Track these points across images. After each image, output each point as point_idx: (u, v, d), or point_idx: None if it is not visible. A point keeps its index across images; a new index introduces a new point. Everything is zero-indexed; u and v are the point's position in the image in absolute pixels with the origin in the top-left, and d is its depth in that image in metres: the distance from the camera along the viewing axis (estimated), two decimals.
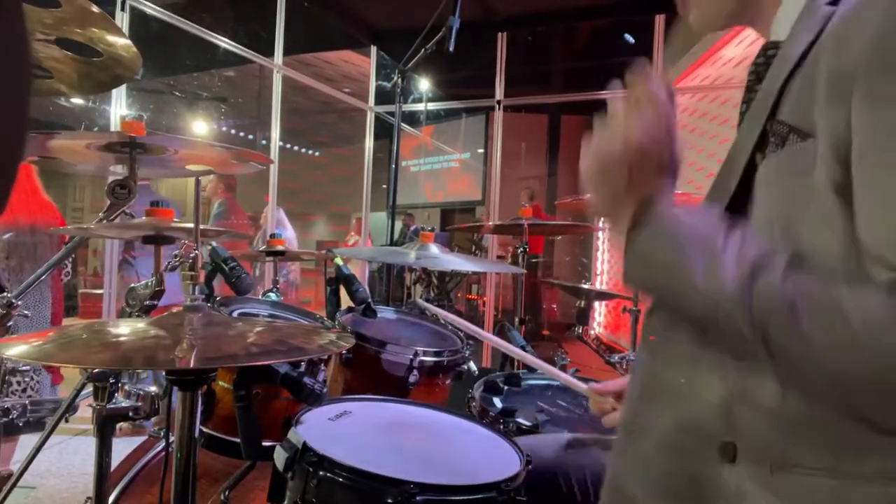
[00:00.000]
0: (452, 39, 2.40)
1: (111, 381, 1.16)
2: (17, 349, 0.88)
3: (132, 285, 1.43)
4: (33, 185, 2.99)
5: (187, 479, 1.02)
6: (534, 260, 6.72)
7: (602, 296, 3.55)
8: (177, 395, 1.04)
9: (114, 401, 1.17)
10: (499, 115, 5.01)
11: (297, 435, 1.05)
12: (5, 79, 0.32)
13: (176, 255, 1.45)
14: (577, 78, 8.35)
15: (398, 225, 9.92)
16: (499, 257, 6.03)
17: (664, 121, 0.71)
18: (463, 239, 8.51)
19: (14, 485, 1.51)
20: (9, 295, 1.43)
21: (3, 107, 0.32)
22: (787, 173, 0.65)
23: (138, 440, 1.69)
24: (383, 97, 5.40)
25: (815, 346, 0.56)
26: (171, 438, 1.11)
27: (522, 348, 1.74)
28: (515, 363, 2.32)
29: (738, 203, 0.70)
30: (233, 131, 10.46)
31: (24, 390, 2.62)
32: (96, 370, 1.14)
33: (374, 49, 5.47)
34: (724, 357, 0.68)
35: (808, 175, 0.63)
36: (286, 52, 4.43)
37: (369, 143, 5.41)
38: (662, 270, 0.67)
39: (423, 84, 6.91)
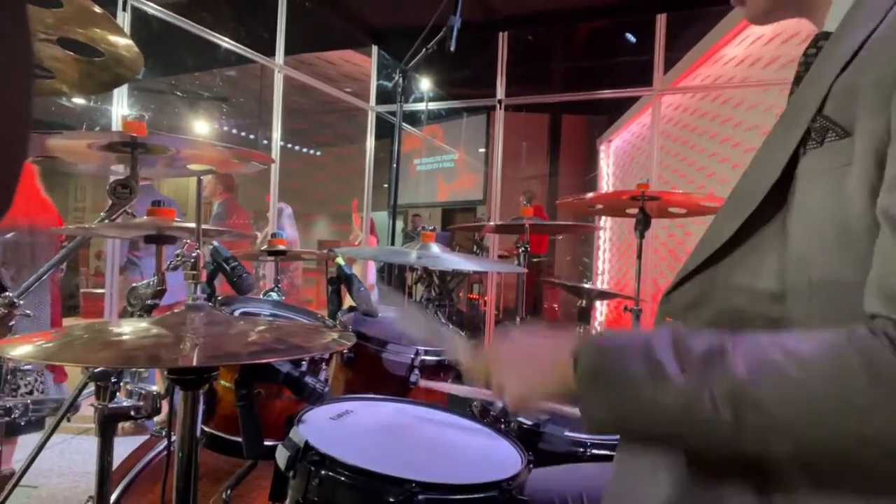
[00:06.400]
0: (453, 39, 2.40)
1: (113, 380, 1.16)
2: (19, 349, 0.89)
3: (134, 285, 1.42)
4: (34, 186, 2.99)
5: (189, 479, 1.02)
6: (535, 259, 6.72)
7: (603, 295, 3.55)
8: (178, 395, 1.04)
9: (115, 400, 1.17)
10: (500, 115, 5.01)
11: (298, 434, 1.05)
12: (7, 79, 0.32)
13: (178, 255, 1.45)
14: (577, 77, 8.36)
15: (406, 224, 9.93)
16: (500, 257, 6.03)
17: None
18: (464, 238, 8.51)
19: (16, 484, 1.51)
20: (11, 294, 1.43)
21: (5, 107, 0.32)
22: (826, 169, 0.65)
23: (140, 439, 1.69)
24: (384, 97, 5.40)
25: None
26: (173, 438, 1.12)
27: None
28: None
29: (775, 196, 0.68)
30: (234, 131, 10.46)
31: (30, 392, 2.63)
32: (98, 369, 1.14)
33: (375, 49, 5.47)
34: None
35: (844, 174, 0.63)
36: (287, 52, 4.43)
37: (370, 142, 5.41)
38: (622, 390, 0.65)
39: (425, 83, 6.91)
